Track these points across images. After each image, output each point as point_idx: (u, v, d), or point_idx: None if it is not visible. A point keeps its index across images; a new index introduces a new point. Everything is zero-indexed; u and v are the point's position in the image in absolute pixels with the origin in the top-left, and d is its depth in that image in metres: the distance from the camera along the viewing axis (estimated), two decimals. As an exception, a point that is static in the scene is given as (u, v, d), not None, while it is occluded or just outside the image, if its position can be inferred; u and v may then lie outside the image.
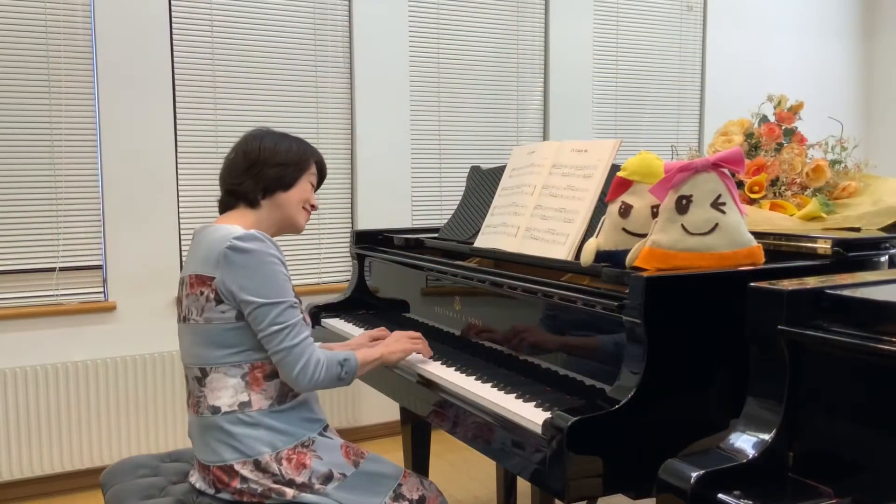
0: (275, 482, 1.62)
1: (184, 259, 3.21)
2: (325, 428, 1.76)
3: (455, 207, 2.50)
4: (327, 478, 1.66)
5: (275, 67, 3.38)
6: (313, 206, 1.84)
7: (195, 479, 1.73)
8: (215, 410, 1.64)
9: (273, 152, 1.74)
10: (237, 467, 1.62)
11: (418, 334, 1.94)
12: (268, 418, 1.65)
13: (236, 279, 1.60)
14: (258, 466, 1.62)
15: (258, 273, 1.60)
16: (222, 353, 1.64)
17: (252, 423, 1.64)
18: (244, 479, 1.62)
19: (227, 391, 1.64)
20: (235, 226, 1.67)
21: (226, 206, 1.78)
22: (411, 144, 3.69)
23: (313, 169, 1.82)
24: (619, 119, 4.22)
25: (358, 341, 2.08)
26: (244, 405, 1.64)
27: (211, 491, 1.66)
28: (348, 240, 3.55)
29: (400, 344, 1.87)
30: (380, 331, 2.12)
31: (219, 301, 1.62)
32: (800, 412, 1.28)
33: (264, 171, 1.73)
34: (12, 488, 2.99)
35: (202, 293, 1.63)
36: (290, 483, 1.63)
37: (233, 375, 1.65)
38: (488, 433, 1.59)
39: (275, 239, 1.70)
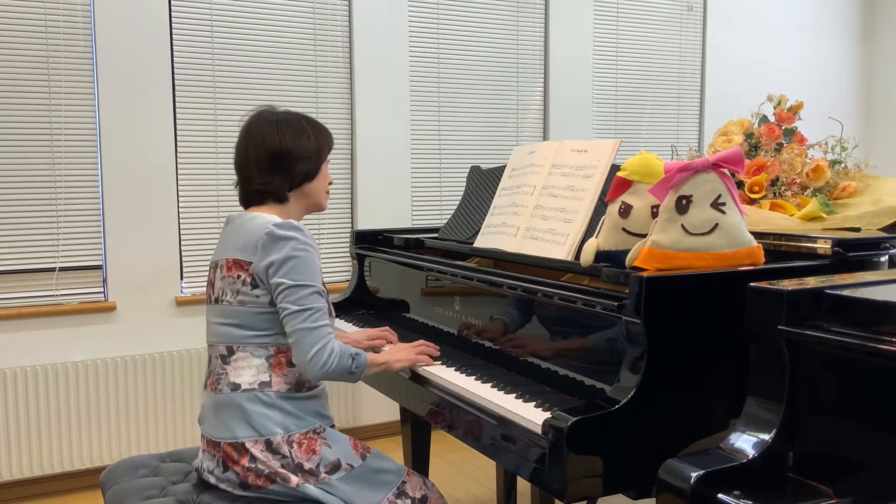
0: (283, 465, 1.64)
1: (183, 251, 3.24)
2: (332, 426, 1.78)
3: (455, 207, 2.50)
4: (335, 466, 1.67)
5: (275, 67, 3.38)
6: (330, 183, 1.88)
7: (200, 460, 1.74)
8: (235, 387, 1.68)
9: (296, 147, 1.76)
10: (248, 445, 1.64)
11: (422, 342, 1.94)
12: (284, 401, 1.68)
13: (271, 262, 1.64)
14: (269, 447, 1.64)
15: (292, 258, 1.65)
16: (251, 334, 1.69)
17: (269, 402, 1.67)
18: (253, 458, 1.64)
19: (250, 370, 1.68)
20: (273, 215, 1.73)
21: (251, 201, 1.80)
22: (411, 144, 3.69)
23: (328, 152, 1.86)
24: (619, 119, 4.22)
25: (355, 338, 2.09)
26: (264, 385, 1.68)
27: (218, 469, 1.67)
28: (348, 240, 3.55)
29: (404, 353, 1.89)
30: (381, 331, 2.13)
31: (254, 286, 1.67)
32: (800, 412, 1.28)
33: (290, 167, 1.75)
34: (12, 488, 2.99)
35: (239, 277, 1.69)
36: (298, 468, 1.64)
37: (258, 356, 1.69)
38: (488, 433, 1.59)
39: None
